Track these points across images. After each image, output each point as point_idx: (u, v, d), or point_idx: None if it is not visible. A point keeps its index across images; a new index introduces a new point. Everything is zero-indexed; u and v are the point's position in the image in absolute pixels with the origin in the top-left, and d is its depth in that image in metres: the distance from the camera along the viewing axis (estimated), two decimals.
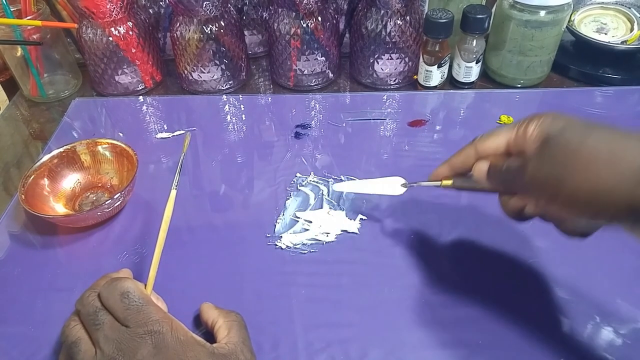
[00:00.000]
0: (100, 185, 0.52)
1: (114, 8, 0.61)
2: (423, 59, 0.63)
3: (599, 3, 0.69)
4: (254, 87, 0.70)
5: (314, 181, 0.53)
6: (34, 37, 0.63)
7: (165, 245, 0.38)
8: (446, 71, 0.65)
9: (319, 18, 0.62)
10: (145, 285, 0.36)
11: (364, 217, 0.49)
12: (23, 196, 0.47)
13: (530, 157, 0.32)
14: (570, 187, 0.30)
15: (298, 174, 0.54)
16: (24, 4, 0.61)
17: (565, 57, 0.68)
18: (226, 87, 0.68)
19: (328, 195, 0.51)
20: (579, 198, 0.30)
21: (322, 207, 0.50)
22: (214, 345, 0.33)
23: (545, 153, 0.31)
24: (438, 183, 0.41)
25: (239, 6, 0.70)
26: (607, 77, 0.66)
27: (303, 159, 0.56)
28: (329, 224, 0.48)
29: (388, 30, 0.62)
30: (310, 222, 0.48)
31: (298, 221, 0.48)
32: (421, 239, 0.46)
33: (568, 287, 0.42)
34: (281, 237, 0.47)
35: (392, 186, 0.45)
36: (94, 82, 0.69)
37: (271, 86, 0.70)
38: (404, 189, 0.45)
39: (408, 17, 0.62)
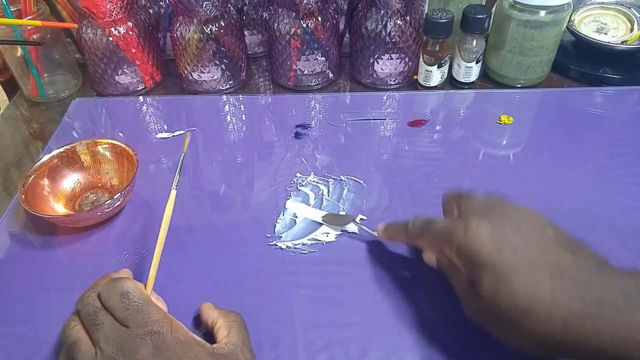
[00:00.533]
0: (100, 185, 0.52)
1: (114, 8, 0.61)
2: (423, 59, 0.63)
3: (599, 3, 0.69)
4: (254, 87, 0.70)
5: (314, 181, 0.53)
6: (34, 37, 0.63)
7: (165, 245, 0.38)
8: (446, 71, 0.65)
9: (319, 18, 0.62)
10: (145, 285, 0.36)
11: (364, 217, 0.49)
12: (23, 196, 0.47)
13: (469, 289, 0.34)
14: (500, 336, 0.33)
15: (298, 174, 0.54)
16: (24, 4, 0.61)
17: (565, 57, 0.68)
18: (226, 87, 0.68)
19: (328, 195, 0.51)
20: (520, 347, 0.32)
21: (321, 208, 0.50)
22: (214, 345, 0.33)
23: (470, 299, 0.34)
24: (375, 235, 0.44)
25: (239, 6, 0.70)
26: (607, 77, 0.66)
27: (303, 159, 0.56)
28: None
29: (388, 30, 0.62)
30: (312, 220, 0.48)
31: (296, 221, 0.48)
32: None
33: None
34: (281, 237, 0.47)
35: (341, 221, 0.47)
36: (94, 82, 0.69)
37: (271, 86, 0.70)
38: (355, 227, 0.47)
39: (408, 17, 0.62)
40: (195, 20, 0.62)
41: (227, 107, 0.65)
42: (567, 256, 0.31)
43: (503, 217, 0.34)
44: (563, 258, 0.31)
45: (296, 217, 0.49)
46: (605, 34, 0.68)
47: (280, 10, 0.62)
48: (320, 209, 0.50)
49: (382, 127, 0.60)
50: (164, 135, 0.60)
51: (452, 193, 0.40)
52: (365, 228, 0.46)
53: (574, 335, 0.28)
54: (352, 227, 0.47)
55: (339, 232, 0.47)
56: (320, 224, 0.48)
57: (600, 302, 0.28)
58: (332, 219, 0.48)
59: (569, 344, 0.29)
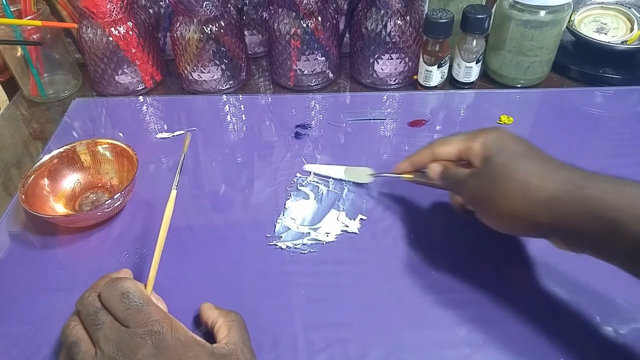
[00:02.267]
0: (100, 185, 0.52)
1: (114, 8, 0.61)
2: (423, 59, 0.63)
3: (599, 3, 0.69)
4: (254, 87, 0.70)
5: (314, 181, 0.53)
6: (34, 37, 0.63)
7: (166, 245, 0.38)
8: (446, 71, 0.65)
9: (319, 18, 0.62)
10: (146, 285, 0.36)
11: (364, 217, 0.49)
12: (23, 196, 0.47)
13: (470, 173, 0.39)
14: (492, 208, 0.37)
15: (298, 174, 0.54)
16: (24, 4, 0.61)
17: (565, 57, 0.68)
18: (226, 87, 0.68)
19: (328, 196, 0.51)
20: (499, 217, 0.37)
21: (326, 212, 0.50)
22: (214, 345, 0.33)
23: (481, 174, 0.38)
24: (400, 175, 0.47)
25: (239, 6, 0.70)
26: (607, 77, 0.66)
27: (303, 159, 0.56)
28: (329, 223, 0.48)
29: (388, 30, 0.62)
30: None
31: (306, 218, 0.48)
32: (421, 239, 0.46)
33: (568, 287, 0.42)
34: (281, 237, 0.47)
35: (360, 174, 0.52)
36: (94, 82, 0.69)
37: (271, 86, 0.70)
38: (372, 178, 0.51)
39: (408, 17, 0.62)
40: (195, 20, 0.62)
41: (227, 107, 0.65)
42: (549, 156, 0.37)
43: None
44: (549, 157, 0.37)
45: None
46: (605, 34, 0.68)
47: (280, 10, 0.62)
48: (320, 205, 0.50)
49: (382, 127, 0.60)
50: (164, 135, 0.60)
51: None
52: (388, 173, 0.49)
53: (569, 199, 0.33)
54: (353, 227, 0.47)
55: (339, 232, 0.47)
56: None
57: (584, 177, 0.35)
58: (352, 173, 0.52)
59: (557, 214, 0.33)
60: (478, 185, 0.38)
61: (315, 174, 0.53)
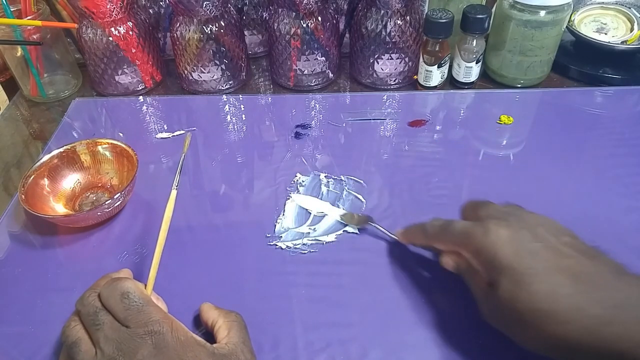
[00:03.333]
0: (100, 185, 0.52)
1: (114, 8, 0.61)
2: (423, 59, 0.63)
3: (599, 3, 0.69)
4: (254, 87, 0.70)
5: (314, 182, 0.53)
6: (34, 37, 0.63)
7: (166, 245, 0.38)
8: (446, 71, 0.65)
9: (319, 18, 0.62)
10: (146, 285, 0.36)
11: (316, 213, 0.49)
12: (23, 196, 0.47)
13: (485, 293, 0.35)
14: (513, 337, 0.33)
15: (298, 174, 0.54)
16: (24, 4, 0.61)
17: (565, 57, 0.68)
18: (226, 87, 0.68)
19: (328, 196, 0.51)
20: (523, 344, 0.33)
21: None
22: (214, 345, 0.33)
23: (494, 298, 0.33)
24: (394, 235, 0.45)
25: (239, 6, 0.70)
26: (607, 77, 0.66)
27: (303, 159, 0.56)
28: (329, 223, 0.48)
29: (388, 30, 0.62)
30: (321, 217, 0.49)
31: (305, 218, 0.48)
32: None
33: None
34: (281, 237, 0.47)
35: (356, 221, 0.48)
36: (94, 82, 0.69)
37: (271, 86, 0.70)
38: (365, 226, 0.47)
39: (408, 17, 0.62)
40: (195, 20, 0.62)
41: (227, 107, 0.65)
42: (585, 261, 0.31)
43: (521, 222, 0.34)
44: (581, 263, 0.31)
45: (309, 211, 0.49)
46: (605, 34, 0.68)
47: (280, 10, 0.62)
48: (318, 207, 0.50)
49: (382, 127, 0.60)
50: (164, 135, 0.60)
51: (471, 201, 0.40)
52: (383, 229, 0.46)
53: (591, 338, 0.29)
54: (366, 227, 0.47)
55: (340, 232, 0.47)
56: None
57: (618, 307, 0.29)
58: (350, 218, 0.48)
59: (586, 347, 0.29)
60: (493, 311, 0.34)
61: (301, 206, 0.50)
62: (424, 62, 0.63)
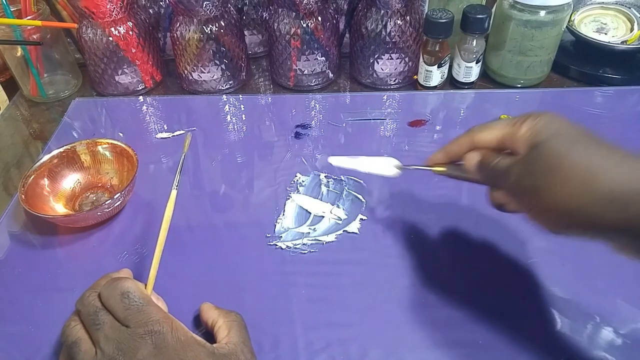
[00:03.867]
0: (100, 185, 0.52)
1: (114, 8, 0.61)
2: (423, 59, 0.63)
3: (599, 3, 0.69)
4: (254, 87, 0.70)
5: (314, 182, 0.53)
6: (34, 37, 0.63)
7: (166, 245, 0.38)
8: (446, 71, 0.65)
9: (319, 18, 0.62)
10: (146, 285, 0.36)
11: (364, 217, 0.49)
12: (23, 196, 0.47)
13: (517, 160, 0.33)
14: (546, 199, 0.30)
15: (298, 174, 0.54)
16: (24, 4, 0.61)
17: (565, 57, 0.68)
18: (226, 87, 0.68)
19: (328, 196, 0.51)
20: (554, 211, 0.31)
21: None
22: (214, 345, 0.33)
23: (530, 160, 0.32)
24: (430, 168, 0.41)
25: (239, 6, 0.70)
26: (607, 77, 0.66)
27: (303, 159, 0.56)
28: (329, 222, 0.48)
29: (388, 30, 0.62)
30: (319, 220, 0.48)
31: (305, 218, 0.48)
32: (421, 239, 0.46)
33: (568, 287, 0.42)
34: (281, 237, 0.47)
35: (386, 166, 0.45)
36: (94, 82, 0.69)
37: (271, 86, 0.70)
38: (398, 171, 0.44)
39: (408, 17, 0.62)
40: (195, 20, 0.62)
41: (227, 107, 0.65)
42: (615, 145, 0.31)
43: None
44: (615, 145, 0.31)
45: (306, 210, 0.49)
46: (605, 34, 0.68)
47: (280, 10, 0.62)
48: (317, 207, 0.50)
49: (382, 127, 0.60)
50: (164, 135, 0.60)
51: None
52: (417, 166, 0.42)
53: (618, 208, 0.28)
54: (353, 227, 0.47)
55: (340, 232, 0.47)
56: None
57: None
58: (377, 165, 0.45)
59: (610, 219, 0.28)
60: (526, 174, 0.32)
61: (340, 168, 0.47)
62: (424, 62, 0.63)
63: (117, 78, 0.67)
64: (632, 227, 0.28)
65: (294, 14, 0.62)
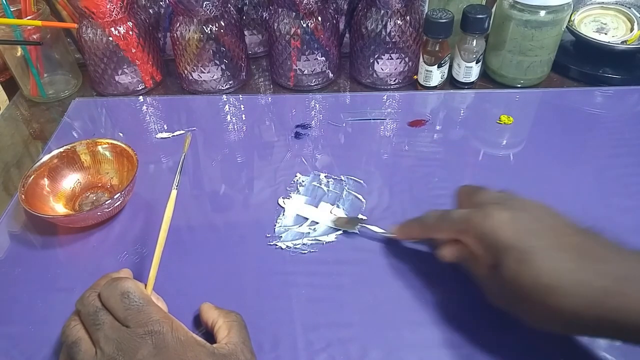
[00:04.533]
0: (100, 185, 0.52)
1: (114, 8, 0.61)
2: (423, 59, 0.63)
3: (599, 3, 0.69)
4: (254, 87, 0.70)
5: (314, 183, 0.53)
6: (34, 37, 0.63)
7: (166, 245, 0.38)
8: (446, 71, 0.65)
9: (319, 18, 0.62)
10: (146, 285, 0.36)
11: (364, 217, 0.49)
12: (23, 196, 0.47)
13: (487, 275, 0.35)
14: (520, 316, 0.34)
15: (298, 174, 0.54)
16: (24, 4, 0.61)
17: (565, 57, 0.68)
18: (226, 87, 0.68)
19: (328, 196, 0.51)
20: (536, 324, 0.33)
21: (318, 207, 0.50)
22: (214, 345, 0.33)
23: (496, 279, 0.34)
24: (390, 235, 0.45)
25: (239, 6, 0.70)
26: (607, 77, 0.66)
27: (303, 159, 0.56)
28: (329, 223, 0.48)
29: (388, 30, 0.62)
30: (317, 222, 0.48)
31: (305, 218, 0.48)
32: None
33: None
34: (281, 237, 0.47)
35: (349, 224, 0.47)
36: (94, 82, 0.69)
37: (271, 86, 0.70)
38: (358, 229, 0.47)
39: (408, 17, 0.62)
40: (195, 20, 0.62)
41: (227, 107, 0.65)
42: (585, 237, 0.33)
43: (519, 205, 0.36)
44: (581, 240, 0.32)
45: (301, 215, 0.49)
46: (605, 34, 0.68)
47: (280, 10, 0.62)
48: (317, 206, 0.50)
49: (382, 127, 0.60)
50: (164, 135, 0.60)
51: (465, 186, 0.41)
52: (377, 229, 0.46)
53: (596, 310, 0.29)
54: (359, 228, 0.47)
55: (340, 232, 0.47)
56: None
57: (622, 279, 0.30)
58: (342, 223, 0.48)
59: (590, 320, 0.30)
60: (498, 292, 0.35)
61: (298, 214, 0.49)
62: (424, 62, 0.63)
63: (117, 78, 0.67)
64: (610, 333, 0.31)
65: (294, 14, 0.62)
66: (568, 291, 0.30)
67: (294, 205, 0.50)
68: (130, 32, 0.64)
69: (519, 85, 0.66)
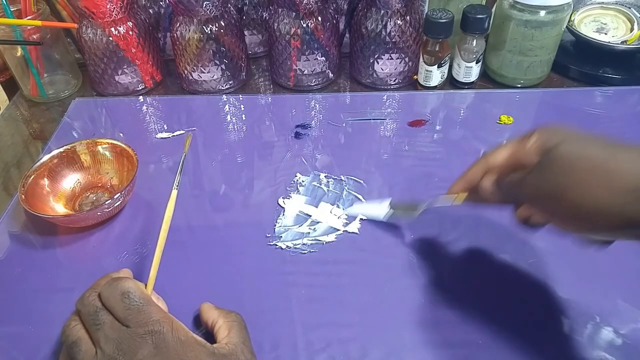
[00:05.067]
0: (100, 185, 0.52)
1: (114, 8, 0.61)
2: (423, 59, 0.63)
3: (599, 3, 0.69)
4: (254, 87, 0.70)
5: (314, 183, 0.53)
6: (34, 37, 0.63)
7: (166, 245, 0.38)
8: (446, 71, 0.65)
9: (319, 18, 0.62)
10: (146, 285, 0.36)
11: (364, 217, 0.49)
12: (23, 196, 0.47)
13: (531, 170, 0.33)
14: (566, 203, 0.30)
15: (298, 174, 0.54)
16: (24, 4, 0.61)
17: (565, 57, 0.68)
18: (226, 87, 0.68)
19: (328, 196, 0.51)
20: (577, 214, 0.30)
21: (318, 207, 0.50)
22: (215, 345, 0.33)
23: (543, 167, 0.32)
24: (452, 198, 0.41)
25: (239, 6, 0.70)
26: (607, 77, 0.66)
27: (303, 159, 0.56)
28: (329, 222, 0.48)
29: (388, 30, 0.62)
30: (319, 222, 0.48)
31: (305, 218, 0.48)
32: (421, 239, 0.46)
33: (568, 287, 0.42)
34: (281, 237, 0.47)
35: (406, 209, 0.46)
36: (94, 82, 0.69)
37: (271, 86, 0.70)
38: (418, 214, 0.45)
39: (408, 17, 0.62)
40: (195, 20, 0.62)
41: (227, 107, 0.65)
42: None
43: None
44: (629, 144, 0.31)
45: (303, 213, 0.49)
46: (605, 34, 0.68)
47: (280, 10, 0.62)
48: (317, 206, 0.50)
49: (382, 127, 0.60)
50: (164, 135, 0.60)
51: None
52: (442, 201, 0.42)
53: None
54: (353, 227, 0.47)
55: (340, 232, 0.47)
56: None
57: None
58: (402, 210, 0.46)
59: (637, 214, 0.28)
60: (542, 181, 0.31)
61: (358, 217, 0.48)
62: (424, 62, 0.63)
63: (117, 78, 0.67)
64: None
65: (294, 14, 0.62)
66: (630, 169, 0.28)
67: (295, 205, 0.50)
68: (130, 32, 0.64)
69: (519, 85, 0.67)
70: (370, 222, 0.48)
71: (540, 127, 0.34)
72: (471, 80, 0.65)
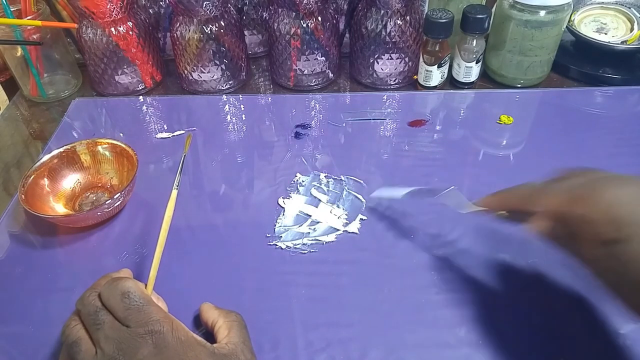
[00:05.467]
0: (100, 185, 0.52)
1: (114, 8, 0.61)
2: (423, 59, 0.63)
3: (599, 3, 0.70)
4: (254, 87, 0.70)
5: (314, 182, 0.53)
6: (34, 37, 0.63)
7: (166, 245, 0.38)
8: (446, 71, 0.65)
9: (319, 18, 0.62)
10: (146, 285, 0.36)
11: (364, 217, 0.49)
12: (23, 196, 0.47)
13: (588, 253, 0.32)
14: (626, 296, 0.30)
15: (298, 174, 0.54)
16: (24, 4, 0.61)
17: (565, 57, 0.68)
18: (226, 87, 0.68)
19: (328, 196, 0.51)
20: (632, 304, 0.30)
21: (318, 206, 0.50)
22: (215, 345, 0.33)
23: (611, 256, 0.30)
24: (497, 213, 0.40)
25: (239, 6, 0.70)
26: (607, 77, 0.66)
27: (303, 159, 0.56)
28: (329, 222, 0.48)
29: (388, 30, 0.62)
30: (319, 222, 0.48)
31: (305, 218, 0.48)
32: (421, 239, 0.46)
33: (568, 287, 0.42)
34: (281, 237, 0.47)
35: (457, 202, 0.43)
36: (94, 82, 0.69)
37: (271, 86, 0.70)
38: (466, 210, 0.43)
39: (408, 17, 0.62)
40: (195, 20, 0.62)
41: (227, 107, 0.65)
42: None
43: (636, 180, 0.32)
44: None
45: (303, 213, 0.49)
46: (605, 34, 0.68)
47: (280, 10, 0.62)
48: (317, 206, 0.50)
49: (382, 127, 0.60)
50: (164, 135, 0.60)
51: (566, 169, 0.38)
52: (466, 207, 0.42)
53: None
54: (353, 227, 0.47)
55: (340, 232, 0.47)
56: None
57: None
58: (456, 201, 0.43)
59: None
60: (615, 270, 0.30)
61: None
62: (424, 62, 0.63)
63: (117, 78, 0.67)
64: None
65: (294, 14, 0.62)
66: None
67: (295, 205, 0.50)
68: (130, 32, 0.64)
69: (519, 85, 0.67)
70: (370, 222, 0.48)
71: (592, 185, 0.32)
72: (471, 80, 0.65)
